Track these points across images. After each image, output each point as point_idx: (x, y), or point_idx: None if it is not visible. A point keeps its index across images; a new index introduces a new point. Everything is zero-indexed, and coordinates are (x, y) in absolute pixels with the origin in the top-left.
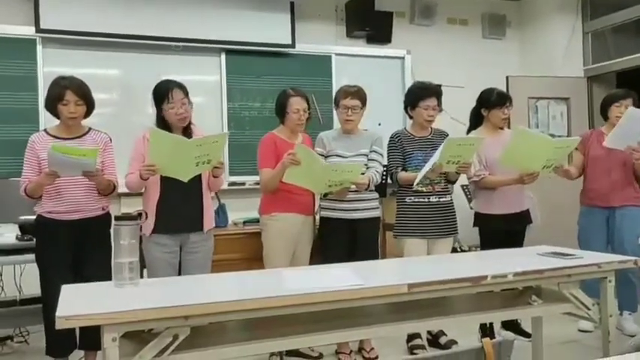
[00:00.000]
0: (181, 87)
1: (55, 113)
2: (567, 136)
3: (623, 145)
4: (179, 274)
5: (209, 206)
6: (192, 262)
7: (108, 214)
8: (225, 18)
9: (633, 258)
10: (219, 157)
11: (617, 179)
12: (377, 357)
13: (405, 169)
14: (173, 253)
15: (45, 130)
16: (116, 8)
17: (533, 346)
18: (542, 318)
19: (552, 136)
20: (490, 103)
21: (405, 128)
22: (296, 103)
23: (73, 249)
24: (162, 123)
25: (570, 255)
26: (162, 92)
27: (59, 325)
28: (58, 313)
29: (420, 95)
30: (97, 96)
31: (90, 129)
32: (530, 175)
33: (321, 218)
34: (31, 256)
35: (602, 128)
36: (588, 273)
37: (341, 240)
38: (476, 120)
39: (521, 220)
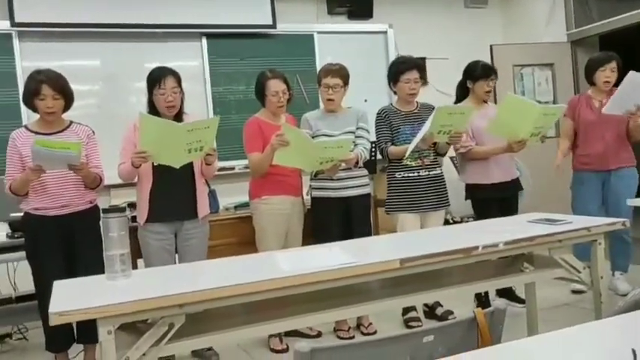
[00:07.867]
0: (175, 75)
1: (33, 108)
2: (553, 102)
3: (621, 110)
4: (175, 261)
5: (202, 193)
6: (188, 249)
7: (96, 208)
8: (204, 1)
9: (622, 220)
10: (212, 144)
11: (611, 142)
12: (375, 332)
13: (393, 144)
14: (168, 240)
15: (25, 126)
16: None
17: (528, 311)
18: (535, 284)
19: (539, 102)
20: (475, 76)
21: (391, 104)
22: (274, 86)
23: (63, 244)
24: (153, 109)
25: (560, 220)
26: (155, 78)
27: (52, 321)
28: (50, 310)
29: (400, 69)
30: (78, 88)
31: (71, 122)
32: (518, 142)
33: (313, 198)
34: (24, 254)
35: (589, 92)
36: (578, 237)
37: (335, 218)
38: (462, 92)
39: (514, 187)
